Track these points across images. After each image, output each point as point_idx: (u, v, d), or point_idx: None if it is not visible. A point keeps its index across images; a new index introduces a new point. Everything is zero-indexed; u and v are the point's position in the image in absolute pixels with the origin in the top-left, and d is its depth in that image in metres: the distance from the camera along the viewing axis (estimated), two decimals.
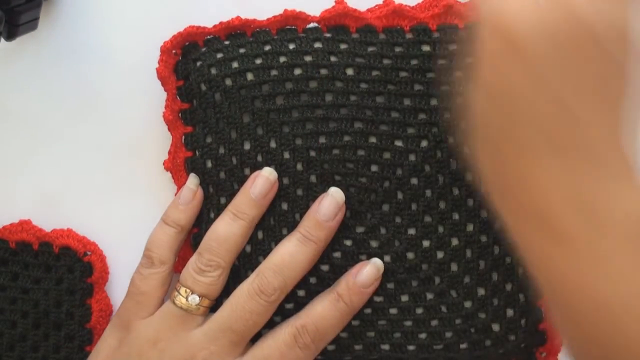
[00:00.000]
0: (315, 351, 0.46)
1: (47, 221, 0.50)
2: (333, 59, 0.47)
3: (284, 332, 0.45)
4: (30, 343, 0.49)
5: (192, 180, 0.48)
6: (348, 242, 0.48)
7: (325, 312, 0.46)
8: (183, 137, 0.48)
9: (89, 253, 0.49)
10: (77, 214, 0.50)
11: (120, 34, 0.50)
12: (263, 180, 0.46)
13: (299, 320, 0.46)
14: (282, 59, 0.47)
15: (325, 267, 0.48)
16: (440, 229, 0.48)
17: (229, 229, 0.46)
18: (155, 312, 0.46)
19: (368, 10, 0.48)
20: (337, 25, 0.48)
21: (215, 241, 0.46)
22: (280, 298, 0.46)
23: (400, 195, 0.48)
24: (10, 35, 0.46)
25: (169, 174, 0.49)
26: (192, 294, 0.45)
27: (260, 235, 0.48)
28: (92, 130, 0.51)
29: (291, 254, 0.46)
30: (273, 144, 0.47)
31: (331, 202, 0.46)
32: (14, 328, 0.49)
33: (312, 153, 0.47)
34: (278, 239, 0.47)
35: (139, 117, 0.50)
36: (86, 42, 0.51)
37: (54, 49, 0.51)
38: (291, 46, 0.47)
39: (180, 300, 0.45)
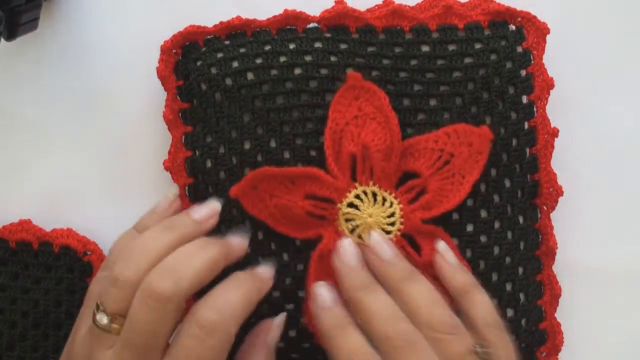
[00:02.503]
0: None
1: (47, 221, 0.50)
2: (333, 58, 0.47)
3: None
4: (30, 343, 0.49)
5: (173, 190, 0.47)
6: None
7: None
8: (183, 137, 0.48)
9: (88, 253, 0.49)
10: (77, 213, 0.50)
11: (120, 33, 0.51)
12: (207, 208, 0.46)
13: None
14: (282, 59, 0.47)
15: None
16: None
17: (156, 239, 0.43)
18: None
19: (368, 10, 0.49)
20: (337, 25, 0.48)
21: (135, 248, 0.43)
22: (177, 304, 0.41)
23: None
24: (10, 36, 0.46)
25: (169, 174, 0.48)
26: (104, 312, 0.41)
27: (260, 235, 0.48)
28: (92, 130, 0.51)
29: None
30: (273, 144, 0.47)
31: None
32: (14, 328, 0.49)
33: (313, 153, 0.47)
34: (276, 238, 0.47)
35: (139, 117, 0.50)
36: (86, 42, 0.51)
37: (55, 49, 0.51)
38: (291, 46, 0.47)
39: (98, 318, 0.41)
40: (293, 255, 0.47)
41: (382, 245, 0.45)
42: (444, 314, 0.43)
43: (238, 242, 0.46)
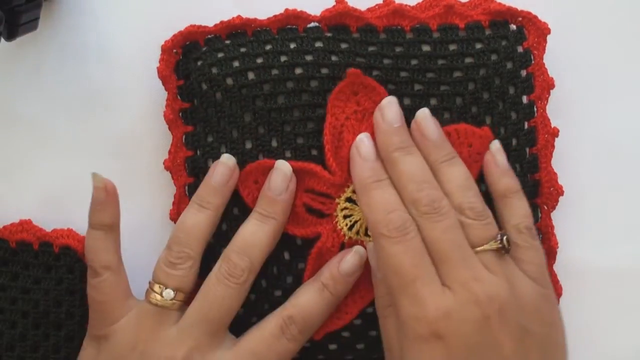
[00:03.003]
0: (302, 341, 0.46)
1: (48, 221, 0.50)
2: (334, 58, 0.47)
3: (271, 324, 0.45)
4: (30, 343, 0.49)
5: (99, 179, 0.46)
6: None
7: (311, 302, 0.46)
8: (184, 137, 0.48)
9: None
10: (78, 213, 0.49)
11: (120, 33, 0.51)
12: (222, 168, 0.46)
13: (285, 311, 0.45)
14: (283, 58, 0.47)
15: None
16: None
17: (195, 219, 0.46)
18: (124, 314, 0.45)
19: (368, 9, 0.49)
20: (338, 24, 0.48)
21: (183, 232, 0.45)
22: (250, 279, 0.45)
23: None
24: (10, 36, 0.46)
25: (169, 174, 0.48)
26: (166, 288, 0.45)
27: None
28: (92, 130, 0.51)
29: (252, 233, 0.45)
30: (274, 143, 0.47)
31: (278, 175, 0.46)
32: (14, 328, 0.49)
33: (314, 152, 0.47)
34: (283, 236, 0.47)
35: (140, 117, 0.50)
36: (87, 42, 0.51)
37: (55, 49, 0.51)
38: (292, 45, 0.47)
39: (155, 297, 0.45)
40: (294, 254, 0.47)
41: (429, 123, 0.46)
42: (477, 201, 0.44)
43: (285, 208, 0.46)
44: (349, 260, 0.46)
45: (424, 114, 0.46)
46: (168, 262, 0.45)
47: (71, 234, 0.49)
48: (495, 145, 0.47)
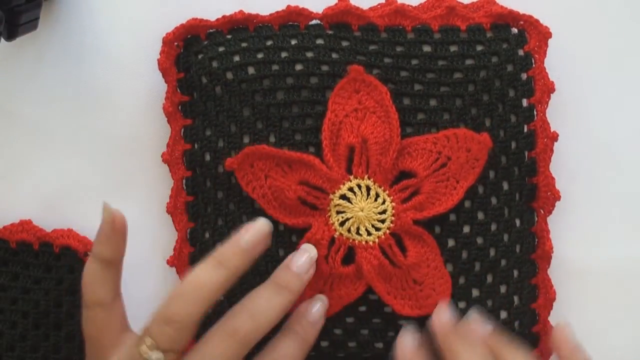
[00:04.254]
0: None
1: (48, 221, 0.50)
2: (334, 55, 0.47)
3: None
4: (30, 343, 0.49)
5: (109, 213, 0.43)
6: None
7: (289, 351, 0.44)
8: (182, 130, 0.48)
9: (89, 253, 0.49)
10: (78, 213, 0.50)
11: (120, 33, 0.51)
12: (255, 233, 0.43)
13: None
14: (284, 54, 0.47)
15: None
16: (437, 230, 0.48)
17: (209, 275, 0.42)
18: (115, 351, 0.42)
19: (370, 8, 0.49)
20: (340, 22, 0.48)
21: (192, 286, 0.41)
22: (252, 342, 0.42)
23: None
24: (10, 35, 0.46)
25: (168, 174, 0.49)
26: (156, 349, 0.41)
27: None
28: (92, 130, 0.51)
29: (267, 300, 0.43)
30: (272, 139, 0.47)
31: (304, 257, 0.45)
32: (14, 328, 0.49)
33: (311, 149, 0.47)
34: (275, 239, 0.47)
35: (140, 117, 0.50)
36: (86, 42, 0.51)
37: (55, 49, 0.51)
38: (293, 42, 0.47)
39: (145, 351, 0.41)
40: (289, 251, 0.47)
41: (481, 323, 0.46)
42: None
43: (301, 287, 0.45)
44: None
45: (475, 316, 0.46)
46: (165, 317, 0.41)
47: (71, 234, 0.50)
48: (561, 323, 0.46)
